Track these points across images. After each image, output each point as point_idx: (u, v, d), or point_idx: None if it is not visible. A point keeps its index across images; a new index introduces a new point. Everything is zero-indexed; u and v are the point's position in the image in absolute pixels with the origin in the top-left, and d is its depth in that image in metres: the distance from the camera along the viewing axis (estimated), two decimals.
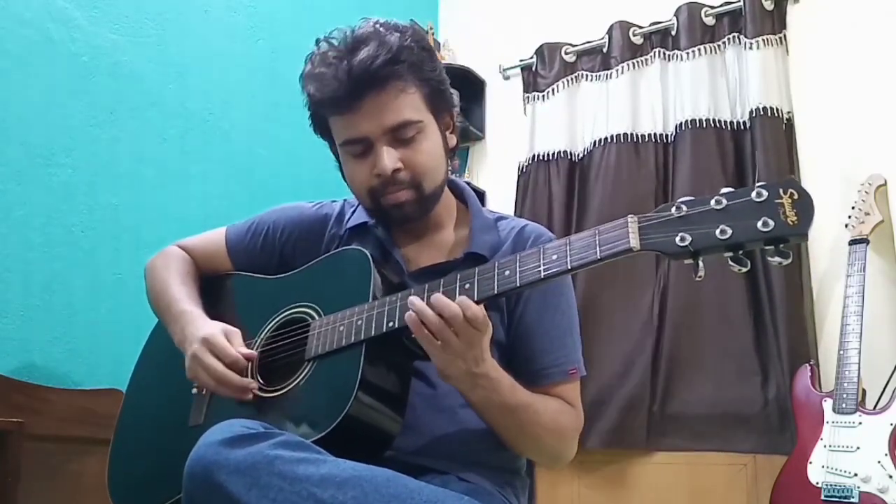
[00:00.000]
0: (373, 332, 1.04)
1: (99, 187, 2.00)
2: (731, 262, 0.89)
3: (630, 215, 0.92)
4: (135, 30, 2.14)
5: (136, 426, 1.31)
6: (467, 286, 1.00)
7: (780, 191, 0.85)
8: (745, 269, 0.88)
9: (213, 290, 1.34)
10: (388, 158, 1.15)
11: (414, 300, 1.01)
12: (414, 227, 1.24)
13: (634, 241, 0.90)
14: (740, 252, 0.88)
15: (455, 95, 1.28)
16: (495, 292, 0.98)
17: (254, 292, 1.30)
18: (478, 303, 1.00)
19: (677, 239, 0.88)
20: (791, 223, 0.84)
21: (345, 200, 1.36)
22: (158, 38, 2.20)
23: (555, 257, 0.96)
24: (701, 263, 0.89)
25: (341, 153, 1.22)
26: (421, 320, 0.99)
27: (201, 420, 1.17)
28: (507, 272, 0.98)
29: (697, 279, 0.89)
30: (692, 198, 0.90)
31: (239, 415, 1.04)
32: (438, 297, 0.99)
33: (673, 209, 0.90)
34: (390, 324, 1.03)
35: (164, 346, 1.25)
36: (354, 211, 1.31)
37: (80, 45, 2.00)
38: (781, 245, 0.86)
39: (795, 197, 0.84)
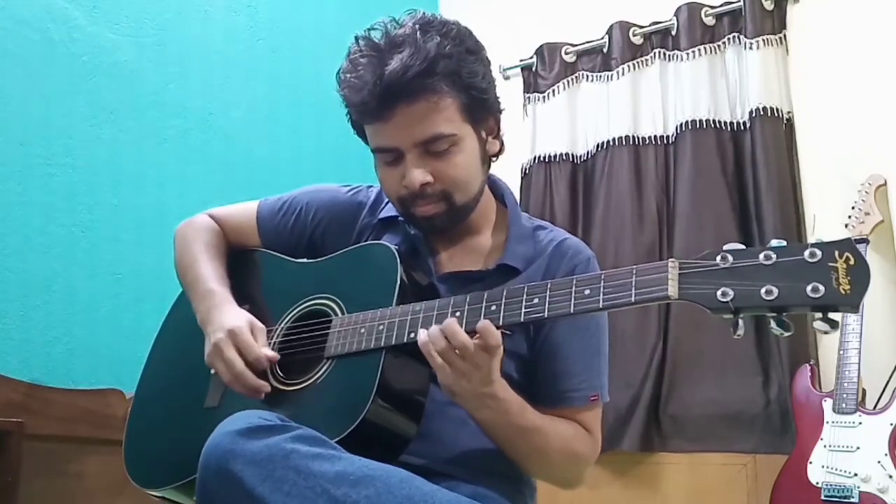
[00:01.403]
0: (393, 341, 1.03)
1: (99, 187, 2.00)
2: (773, 325, 0.82)
3: (671, 259, 0.88)
4: (135, 30, 2.14)
5: (153, 399, 1.31)
6: (493, 308, 0.98)
7: (836, 253, 0.79)
8: (787, 334, 0.82)
9: (239, 266, 1.33)
10: (417, 173, 1.11)
11: (423, 331, 0.99)
12: (448, 231, 1.21)
13: (673, 290, 0.86)
14: (784, 315, 0.82)
15: (499, 98, 1.21)
16: (521, 321, 0.96)
17: (279, 275, 1.29)
18: (500, 328, 0.98)
19: (719, 294, 0.83)
20: (843, 292, 0.78)
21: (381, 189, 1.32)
22: (158, 38, 2.20)
23: (587, 292, 0.93)
24: (741, 322, 0.83)
25: (375, 156, 1.18)
26: (429, 341, 0.98)
27: (216, 403, 1.17)
28: (535, 300, 0.96)
29: (736, 337, 0.84)
30: (741, 247, 0.85)
31: (254, 404, 1.04)
32: (450, 324, 0.97)
33: (718, 258, 0.84)
34: (412, 334, 1.02)
35: (186, 320, 1.25)
36: (389, 201, 1.27)
37: (80, 45, 2.00)
38: (829, 313, 0.80)
39: (852, 263, 0.79)
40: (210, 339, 1.14)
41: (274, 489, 0.86)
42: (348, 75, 1.11)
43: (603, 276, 0.93)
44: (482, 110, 1.16)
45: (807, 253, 0.80)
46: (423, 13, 1.14)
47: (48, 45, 1.93)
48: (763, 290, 0.81)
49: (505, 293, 0.99)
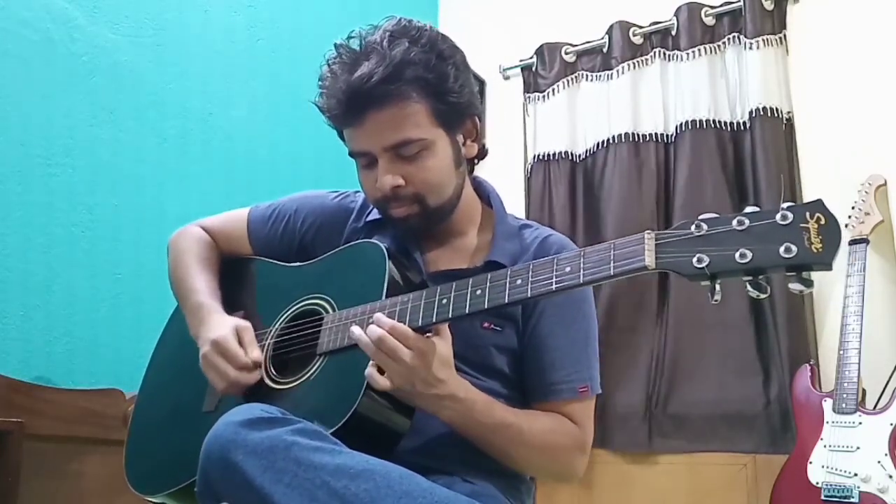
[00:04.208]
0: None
1: (99, 187, 2.00)
2: (749, 288, 0.84)
3: (647, 231, 0.89)
4: (135, 30, 2.14)
5: (152, 409, 1.33)
6: (478, 293, 0.99)
7: (807, 214, 0.81)
8: (763, 296, 0.84)
9: (231, 274, 1.35)
10: (386, 177, 1.13)
11: (354, 329, 1.02)
12: (430, 231, 1.23)
13: (650, 260, 0.87)
14: (760, 277, 0.83)
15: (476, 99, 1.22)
16: (505, 301, 0.97)
17: (271, 280, 1.31)
18: (488, 310, 0.98)
19: (694, 260, 0.84)
20: (815, 251, 0.79)
21: None
22: (158, 38, 2.20)
23: (568, 269, 0.93)
24: (718, 287, 0.85)
25: (355, 160, 1.21)
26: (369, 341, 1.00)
27: (214, 407, 1.18)
28: (518, 281, 0.97)
29: (714, 303, 0.85)
30: (715, 216, 0.86)
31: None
32: (377, 318, 1.00)
33: (693, 227, 0.86)
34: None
35: (182, 330, 1.27)
36: None
37: (80, 45, 2.00)
38: (804, 273, 0.81)
39: (822, 222, 0.80)
40: (200, 351, 1.16)
41: (274, 480, 0.87)
42: (322, 82, 1.15)
43: (583, 253, 0.94)
44: (455, 115, 1.17)
45: (779, 216, 0.82)
46: (400, 19, 1.15)
47: (48, 45, 1.93)
48: (737, 254, 0.82)
49: (489, 278, 0.99)
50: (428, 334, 1.01)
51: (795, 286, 0.82)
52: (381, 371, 1.00)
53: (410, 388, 1.00)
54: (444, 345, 1.02)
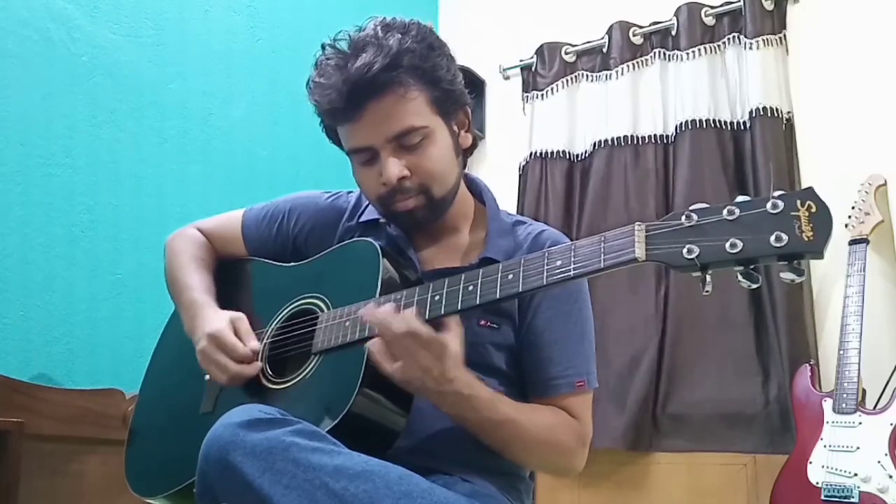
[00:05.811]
0: (377, 330, 1.04)
1: (99, 187, 2.00)
2: (740, 278, 0.83)
3: (638, 223, 0.89)
4: (135, 30, 2.14)
5: (152, 411, 1.33)
6: (470, 288, 0.99)
7: (798, 202, 0.80)
8: (755, 286, 0.83)
9: (227, 275, 1.35)
10: (393, 167, 1.12)
11: (363, 313, 1.01)
12: (428, 228, 1.23)
13: (640, 252, 0.86)
14: (751, 267, 0.82)
15: (466, 92, 1.22)
16: (497, 297, 0.97)
17: (266, 280, 1.31)
18: (481, 306, 0.98)
19: (684, 251, 0.83)
20: (806, 239, 0.78)
21: (361, 193, 1.33)
22: (158, 38, 2.20)
23: (559, 263, 0.93)
24: (709, 278, 0.84)
25: (351, 160, 1.20)
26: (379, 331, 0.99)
27: (211, 408, 1.18)
28: (510, 276, 0.97)
29: (705, 293, 0.84)
30: (705, 206, 0.86)
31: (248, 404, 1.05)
32: (384, 311, 0.99)
33: (683, 217, 0.85)
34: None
35: (179, 332, 1.27)
36: (369, 204, 1.30)
37: (80, 45, 2.00)
38: (795, 262, 0.80)
39: (813, 210, 0.80)
40: (197, 348, 1.16)
41: (273, 481, 0.87)
42: (316, 80, 1.14)
43: (573, 246, 0.94)
44: (451, 103, 1.18)
45: (769, 205, 0.81)
46: (384, 17, 1.16)
47: (48, 45, 1.93)
48: (728, 244, 0.82)
49: (481, 273, 0.99)
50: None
51: (787, 275, 0.82)
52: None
53: (419, 384, 1.00)
54: (456, 344, 1.01)
